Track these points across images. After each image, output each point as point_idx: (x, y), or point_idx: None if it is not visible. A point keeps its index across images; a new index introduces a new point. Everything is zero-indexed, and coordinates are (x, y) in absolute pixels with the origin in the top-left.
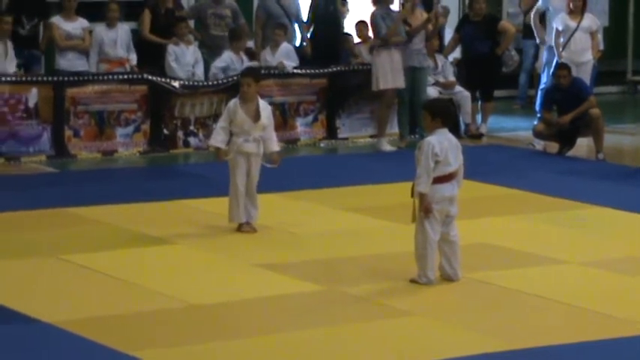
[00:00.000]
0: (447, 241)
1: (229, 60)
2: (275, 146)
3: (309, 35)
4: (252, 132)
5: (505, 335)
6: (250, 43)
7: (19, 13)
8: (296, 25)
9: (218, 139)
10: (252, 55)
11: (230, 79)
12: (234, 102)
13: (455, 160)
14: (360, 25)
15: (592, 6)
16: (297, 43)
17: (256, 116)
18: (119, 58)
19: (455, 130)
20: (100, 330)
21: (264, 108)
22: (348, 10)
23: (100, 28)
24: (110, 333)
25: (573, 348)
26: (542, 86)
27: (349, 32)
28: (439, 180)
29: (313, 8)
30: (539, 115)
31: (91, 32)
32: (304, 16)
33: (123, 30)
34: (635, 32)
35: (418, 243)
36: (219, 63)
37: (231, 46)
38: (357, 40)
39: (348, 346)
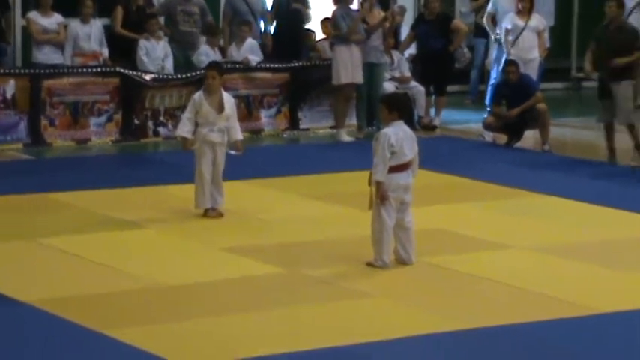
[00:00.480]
0: (401, 227)
1: (206, 54)
2: (238, 135)
3: (272, 31)
4: (216, 122)
5: (456, 315)
6: None
7: None
8: (261, 22)
9: (184, 129)
10: (220, 50)
11: (197, 73)
12: (199, 94)
13: (410, 151)
14: (325, 22)
15: (539, 7)
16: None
17: (220, 107)
18: (93, 52)
19: (410, 122)
20: (75, 309)
21: (228, 100)
22: (309, 8)
23: (74, 24)
24: (85, 312)
25: (518, 328)
26: (491, 82)
27: (311, 29)
28: (395, 169)
29: (276, 5)
30: (488, 108)
31: (66, 27)
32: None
33: (96, 25)
34: (579, 32)
35: (375, 229)
36: (201, 56)
37: (207, 41)
38: (321, 36)
39: (308, 325)
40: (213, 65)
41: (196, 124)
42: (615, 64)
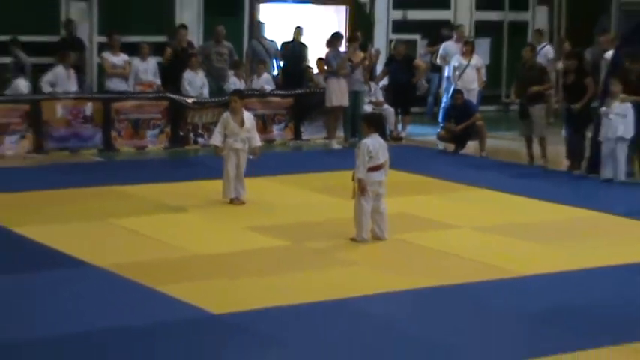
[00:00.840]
0: (377, 212)
1: (234, 83)
2: (257, 142)
3: (281, 66)
4: (239, 134)
5: (417, 277)
6: None
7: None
8: (274, 60)
9: (216, 140)
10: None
11: (225, 98)
12: (226, 114)
13: (383, 156)
14: (320, 61)
15: (478, 49)
16: (275, 73)
17: (241, 123)
18: (149, 82)
19: (383, 135)
20: (136, 271)
21: (248, 117)
22: (307, 49)
23: (136, 61)
24: (144, 273)
25: (462, 286)
26: (443, 105)
27: (310, 65)
28: (372, 169)
29: (284, 48)
30: (441, 125)
31: (130, 63)
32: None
33: (151, 62)
34: (507, 68)
35: (356, 213)
36: (230, 85)
37: (234, 74)
38: (316, 71)
39: (308, 284)
40: (235, 92)
41: (225, 136)
42: (530, 92)
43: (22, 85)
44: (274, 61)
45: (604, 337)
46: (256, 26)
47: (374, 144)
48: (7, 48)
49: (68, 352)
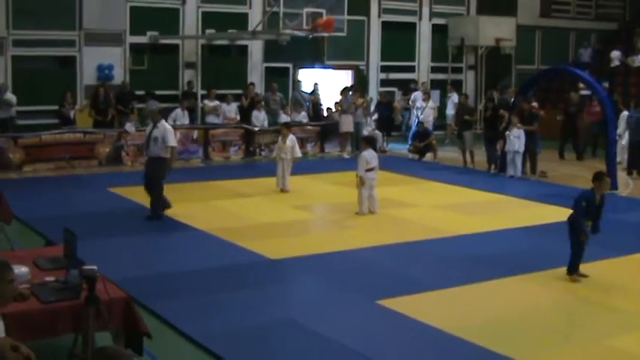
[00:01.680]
0: (371, 197)
1: (283, 118)
2: (298, 154)
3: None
4: (285, 149)
5: (394, 236)
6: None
7: (187, 98)
8: (307, 104)
9: (275, 153)
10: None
11: (277, 127)
12: (279, 137)
13: (375, 162)
14: (337, 104)
15: (433, 96)
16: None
17: (285, 143)
18: (232, 118)
19: (374, 149)
20: (224, 232)
21: (291, 139)
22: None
23: (223, 104)
24: (228, 234)
25: (423, 242)
26: (412, 131)
27: (330, 107)
28: (368, 170)
29: (312, 96)
30: (410, 143)
31: (220, 106)
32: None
33: (233, 104)
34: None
35: (359, 197)
36: (281, 118)
37: (283, 111)
38: (334, 109)
39: (329, 240)
40: (284, 124)
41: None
42: (463, 120)
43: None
44: (307, 104)
45: (507, 270)
46: (296, 83)
47: (369, 155)
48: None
49: (179, 281)
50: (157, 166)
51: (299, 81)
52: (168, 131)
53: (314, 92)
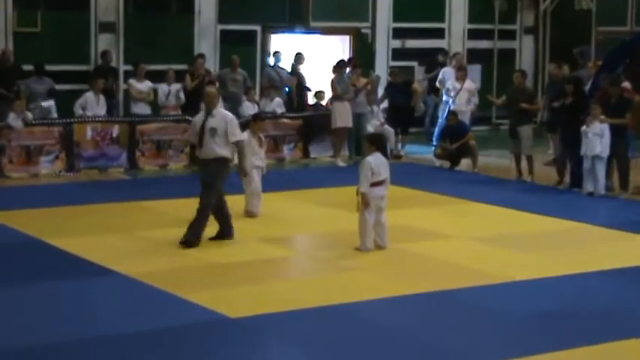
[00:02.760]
0: (378, 224)
1: (248, 107)
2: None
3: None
4: (260, 153)
5: (415, 283)
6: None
7: (102, 77)
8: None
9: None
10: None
11: (241, 120)
12: (246, 135)
13: (384, 172)
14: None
15: (471, 74)
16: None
17: (261, 143)
18: (172, 105)
19: (384, 153)
20: (158, 279)
21: (261, 137)
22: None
23: (161, 86)
24: (164, 281)
25: (456, 291)
26: (440, 125)
27: (321, 90)
28: (374, 184)
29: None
30: (435, 143)
31: (155, 90)
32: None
33: (174, 87)
34: (497, 92)
35: (360, 224)
36: (245, 108)
37: (248, 98)
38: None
39: (317, 290)
40: (255, 116)
41: None
42: (521, 108)
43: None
44: (289, 90)
45: (588, 336)
46: (273, 55)
47: (375, 161)
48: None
49: (94, 355)
50: (214, 170)
51: (276, 52)
52: (231, 120)
53: (294, 71)
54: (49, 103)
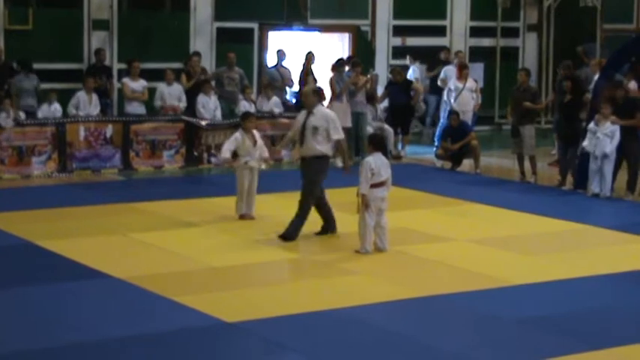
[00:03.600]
0: (379, 226)
1: (244, 106)
2: (266, 153)
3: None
4: (254, 153)
5: (415, 287)
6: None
7: (95, 76)
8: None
9: (227, 154)
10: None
11: (236, 120)
12: (239, 134)
13: (385, 173)
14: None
15: (473, 72)
16: (289, 97)
17: (255, 142)
18: (173, 106)
19: (385, 153)
20: (152, 282)
21: (257, 135)
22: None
23: (161, 85)
24: (159, 284)
25: (456, 295)
26: (441, 125)
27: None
28: (374, 186)
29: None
30: (437, 143)
31: (149, 89)
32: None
33: (176, 87)
34: (500, 91)
35: (360, 227)
36: (242, 107)
37: (244, 97)
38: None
39: (315, 293)
40: (246, 115)
41: (236, 154)
42: (524, 107)
43: None
44: (292, 93)
45: (591, 341)
46: (277, 54)
47: (376, 162)
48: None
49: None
50: (315, 168)
51: (279, 51)
52: (332, 119)
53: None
54: (55, 106)
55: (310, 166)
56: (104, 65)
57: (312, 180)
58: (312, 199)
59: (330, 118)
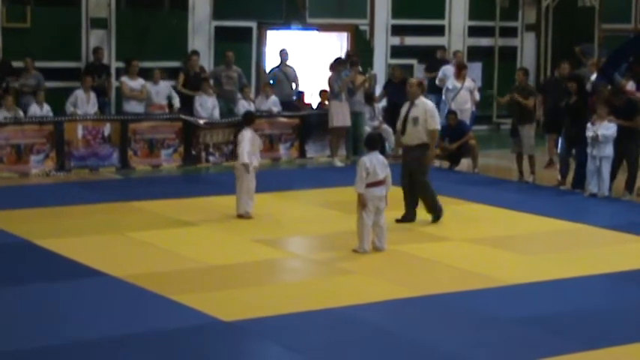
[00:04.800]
0: (377, 226)
1: (244, 105)
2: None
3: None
4: (257, 153)
5: (413, 286)
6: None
7: (93, 75)
8: (293, 84)
9: (245, 158)
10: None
11: (235, 119)
12: (251, 134)
13: (381, 172)
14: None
15: (471, 72)
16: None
17: (261, 143)
18: (160, 104)
19: (383, 152)
20: (150, 281)
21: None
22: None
23: (149, 85)
24: (157, 283)
25: (453, 295)
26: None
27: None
28: (371, 185)
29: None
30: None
31: (146, 87)
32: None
33: (163, 86)
34: (498, 90)
35: (358, 226)
36: (240, 106)
37: (243, 96)
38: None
39: (312, 293)
40: (247, 115)
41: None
42: (520, 108)
43: None
44: (293, 84)
45: (589, 341)
46: (281, 53)
47: (371, 161)
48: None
49: (84, 359)
50: (418, 156)
51: (282, 50)
52: (430, 110)
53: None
54: (47, 108)
55: (411, 153)
56: (102, 64)
57: (418, 168)
58: (427, 182)
59: (429, 110)
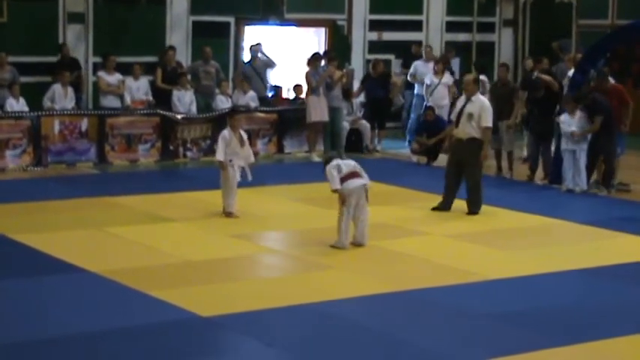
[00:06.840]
0: (359, 220)
1: (221, 100)
2: (252, 159)
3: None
4: (240, 152)
5: (392, 281)
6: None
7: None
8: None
9: (221, 156)
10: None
11: (214, 114)
12: (227, 132)
13: (347, 166)
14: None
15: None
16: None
17: (242, 141)
18: (140, 100)
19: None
20: (127, 276)
21: (243, 134)
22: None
23: (129, 80)
24: (134, 278)
25: (434, 290)
26: (411, 118)
27: (299, 84)
28: (346, 178)
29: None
30: (409, 139)
31: (124, 82)
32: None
33: (142, 81)
34: None
35: (339, 221)
36: (218, 102)
37: (221, 91)
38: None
39: (290, 288)
40: (231, 113)
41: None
42: (500, 105)
43: None
44: (271, 87)
45: (563, 336)
46: (253, 47)
47: (337, 161)
48: None
49: (62, 354)
50: (470, 150)
51: (257, 44)
52: (485, 108)
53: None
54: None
55: (463, 147)
56: (72, 58)
57: (470, 160)
58: (479, 175)
59: (484, 107)
